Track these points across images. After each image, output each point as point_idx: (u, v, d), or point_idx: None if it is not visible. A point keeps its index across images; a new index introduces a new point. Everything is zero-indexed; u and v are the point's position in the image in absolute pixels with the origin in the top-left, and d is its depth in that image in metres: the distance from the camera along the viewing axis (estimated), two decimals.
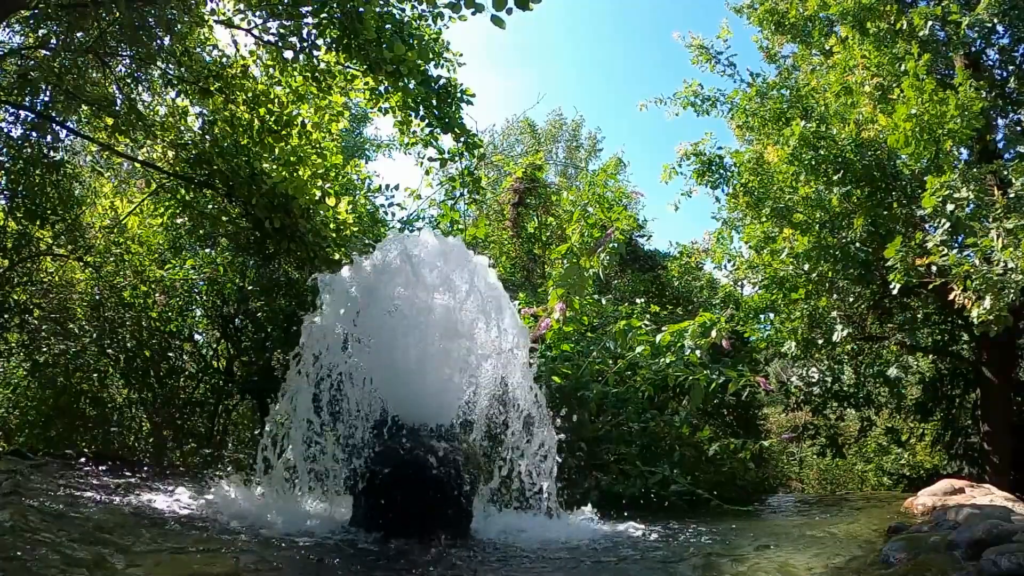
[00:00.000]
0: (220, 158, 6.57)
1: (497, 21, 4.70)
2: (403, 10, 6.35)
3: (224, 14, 6.62)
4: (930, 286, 7.26)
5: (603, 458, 5.45)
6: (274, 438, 3.77)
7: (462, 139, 7.00)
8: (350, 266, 4.10)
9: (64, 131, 6.81)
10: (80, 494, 3.62)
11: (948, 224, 7.04)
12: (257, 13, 6.39)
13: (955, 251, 6.93)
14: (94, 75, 6.71)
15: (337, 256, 6.79)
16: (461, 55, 6.96)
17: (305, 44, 6.20)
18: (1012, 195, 6.88)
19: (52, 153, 6.64)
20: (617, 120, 45.49)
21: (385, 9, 6.11)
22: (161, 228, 8.10)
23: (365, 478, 3.50)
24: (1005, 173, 7.33)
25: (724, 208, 10.33)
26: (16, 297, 7.36)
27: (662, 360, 6.01)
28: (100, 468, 4.97)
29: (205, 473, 5.21)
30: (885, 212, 8.22)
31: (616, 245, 7.37)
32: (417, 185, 25.43)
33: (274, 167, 6.82)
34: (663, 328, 6.37)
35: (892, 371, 10.77)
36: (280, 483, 3.80)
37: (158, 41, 6.41)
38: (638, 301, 8.70)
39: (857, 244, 8.45)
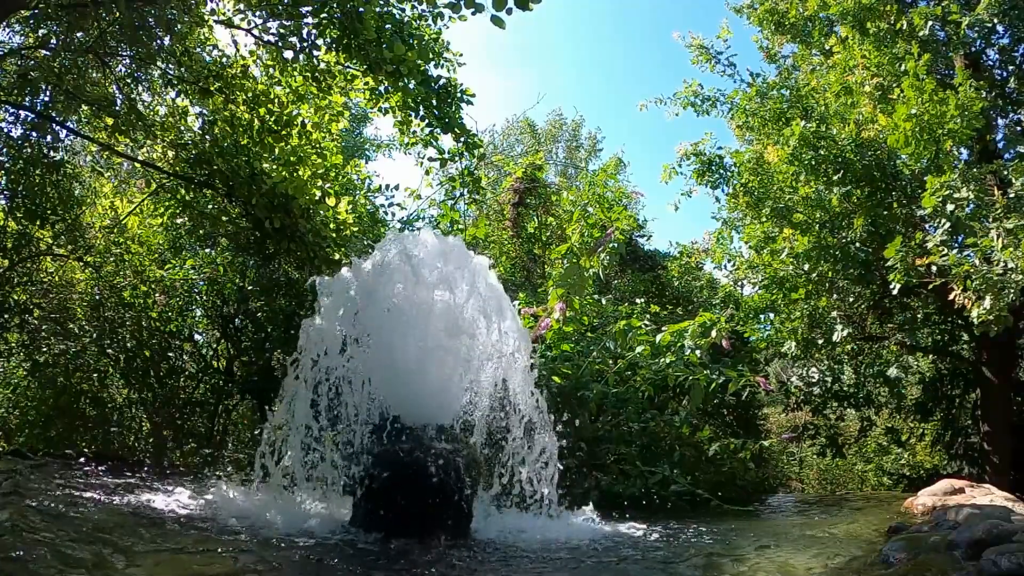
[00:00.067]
0: (220, 158, 6.57)
1: (497, 21, 4.70)
2: (403, 10, 6.35)
3: (224, 14, 6.62)
4: (930, 286, 7.26)
5: (603, 458, 5.44)
6: (272, 444, 3.75)
7: (462, 139, 7.00)
8: (349, 268, 4.09)
9: (64, 131, 6.81)
10: (80, 494, 3.61)
11: (948, 224, 7.04)
12: (257, 13, 6.39)
13: (955, 251, 6.93)
14: (94, 75, 6.71)
15: (337, 256, 6.79)
16: (461, 55, 6.97)
17: (305, 44, 6.20)
18: (1012, 195, 6.88)
19: (52, 153, 6.64)
20: (617, 120, 45.52)
21: (385, 9, 6.11)
22: (161, 228, 8.10)
23: (365, 482, 3.49)
24: (1005, 173, 7.33)
25: (724, 208, 10.34)
26: (16, 297, 7.36)
27: (662, 360, 6.00)
28: (100, 468, 4.97)
29: (205, 473, 5.21)
30: (885, 212, 8.22)
31: (616, 245, 7.37)
32: (417, 185, 25.45)
33: (274, 167, 6.82)
34: (663, 328, 6.37)
35: (892, 371, 10.77)
36: (279, 491, 3.79)
37: (158, 41, 6.41)
38: (638, 301, 8.71)
39: (857, 244, 8.45)
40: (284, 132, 6.80)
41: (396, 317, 3.81)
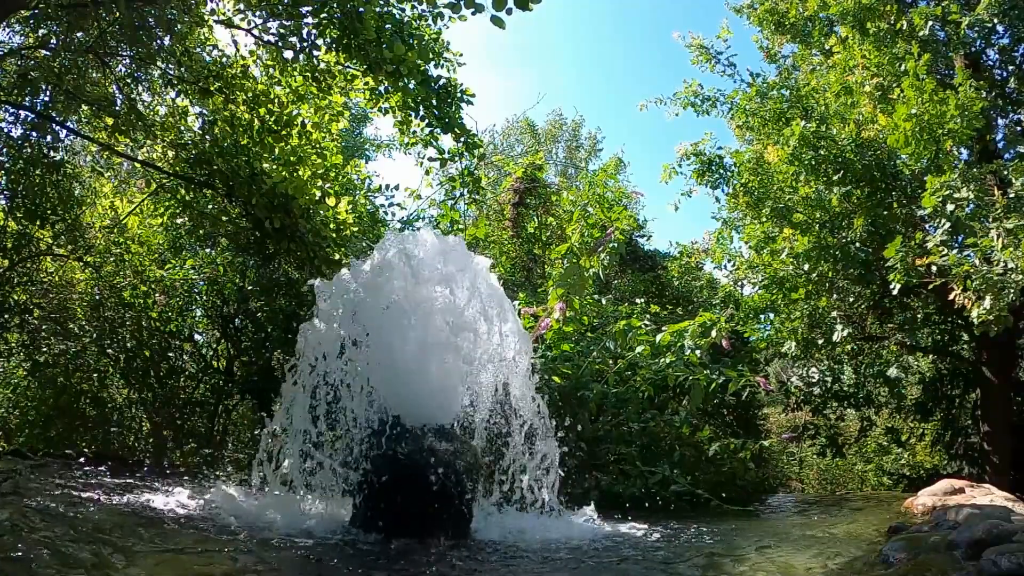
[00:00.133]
0: (220, 158, 6.57)
1: (497, 21, 4.70)
2: (403, 10, 6.35)
3: (224, 14, 6.62)
4: (930, 286, 7.26)
5: (603, 458, 5.45)
6: (269, 453, 3.75)
7: (462, 139, 7.00)
8: (348, 270, 4.08)
9: (64, 131, 6.81)
10: (80, 494, 3.61)
11: (948, 224, 7.04)
12: (257, 13, 6.39)
13: (955, 251, 6.93)
14: (94, 75, 6.71)
15: (337, 256, 6.79)
16: (461, 55, 6.97)
17: (305, 44, 6.20)
18: (1012, 195, 6.88)
19: (52, 153, 6.64)
20: (617, 120, 45.56)
21: (385, 9, 6.11)
22: (161, 228, 8.10)
23: (365, 484, 3.49)
24: (1005, 173, 7.33)
25: (724, 208, 10.34)
26: (16, 297, 7.37)
27: (662, 360, 6.00)
28: (100, 468, 4.96)
29: (205, 473, 5.21)
30: (885, 212, 8.22)
31: (616, 245, 7.36)
32: (417, 185, 25.48)
33: (274, 167, 6.82)
34: (663, 328, 6.37)
35: (892, 371, 10.78)
36: (279, 491, 3.79)
37: (158, 41, 6.41)
38: (638, 301, 8.71)
39: (857, 244, 8.45)
40: (284, 132, 6.80)
41: (396, 317, 3.81)
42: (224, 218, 7.11)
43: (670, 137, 38.27)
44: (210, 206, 7.20)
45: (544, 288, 7.59)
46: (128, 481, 4.52)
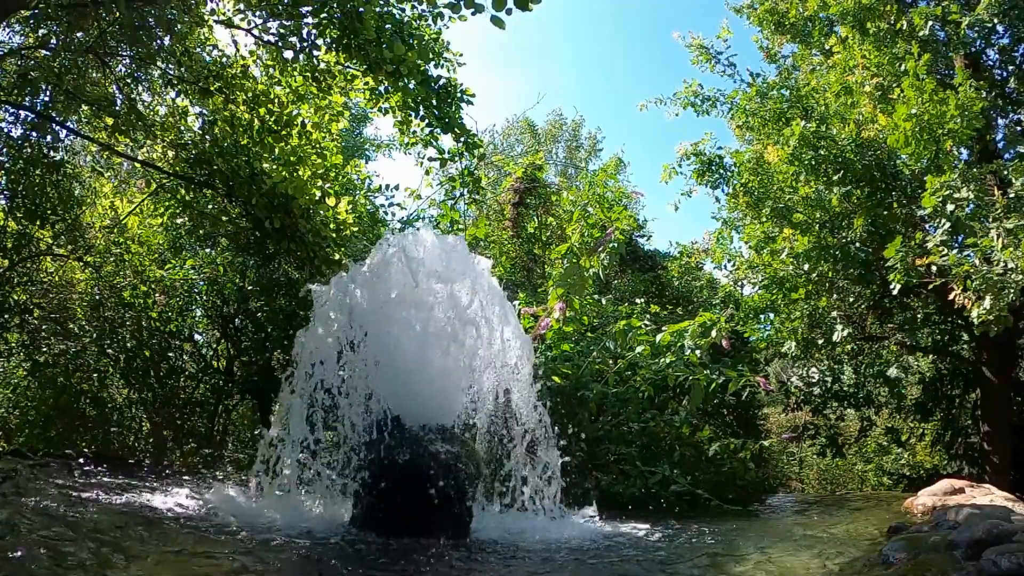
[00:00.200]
0: (220, 158, 6.57)
1: (497, 21, 4.70)
2: (403, 10, 6.35)
3: (224, 14, 6.62)
4: (930, 286, 7.26)
5: (603, 458, 5.44)
6: (267, 462, 3.74)
7: (462, 139, 7.00)
8: (346, 272, 4.08)
9: (64, 131, 6.81)
10: (79, 494, 3.61)
11: (948, 224, 7.04)
12: (257, 13, 6.39)
13: (955, 251, 6.93)
14: (94, 75, 6.71)
15: (337, 256, 6.79)
16: (461, 55, 6.97)
17: (305, 44, 6.20)
18: (1012, 195, 6.88)
19: (52, 153, 6.64)
20: (617, 120, 45.54)
21: (385, 9, 6.11)
22: (161, 228, 8.11)
23: (365, 485, 3.49)
24: (1005, 173, 7.33)
25: (724, 208, 10.33)
26: (16, 297, 7.37)
27: (662, 360, 6.00)
28: (100, 468, 4.96)
29: (205, 473, 5.21)
30: (885, 212, 8.22)
31: (616, 245, 7.36)
32: (417, 185, 25.49)
33: (274, 167, 6.82)
34: (663, 328, 6.37)
35: (892, 371, 10.78)
36: (277, 498, 3.79)
37: (158, 41, 6.41)
38: (638, 301, 8.70)
39: (857, 244, 8.45)
40: (284, 132, 6.80)
41: (396, 316, 3.81)
42: (224, 218, 7.11)
43: (670, 137, 38.31)
44: (210, 206, 7.20)
45: (544, 288, 7.59)
46: (128, 481, 4.51)
